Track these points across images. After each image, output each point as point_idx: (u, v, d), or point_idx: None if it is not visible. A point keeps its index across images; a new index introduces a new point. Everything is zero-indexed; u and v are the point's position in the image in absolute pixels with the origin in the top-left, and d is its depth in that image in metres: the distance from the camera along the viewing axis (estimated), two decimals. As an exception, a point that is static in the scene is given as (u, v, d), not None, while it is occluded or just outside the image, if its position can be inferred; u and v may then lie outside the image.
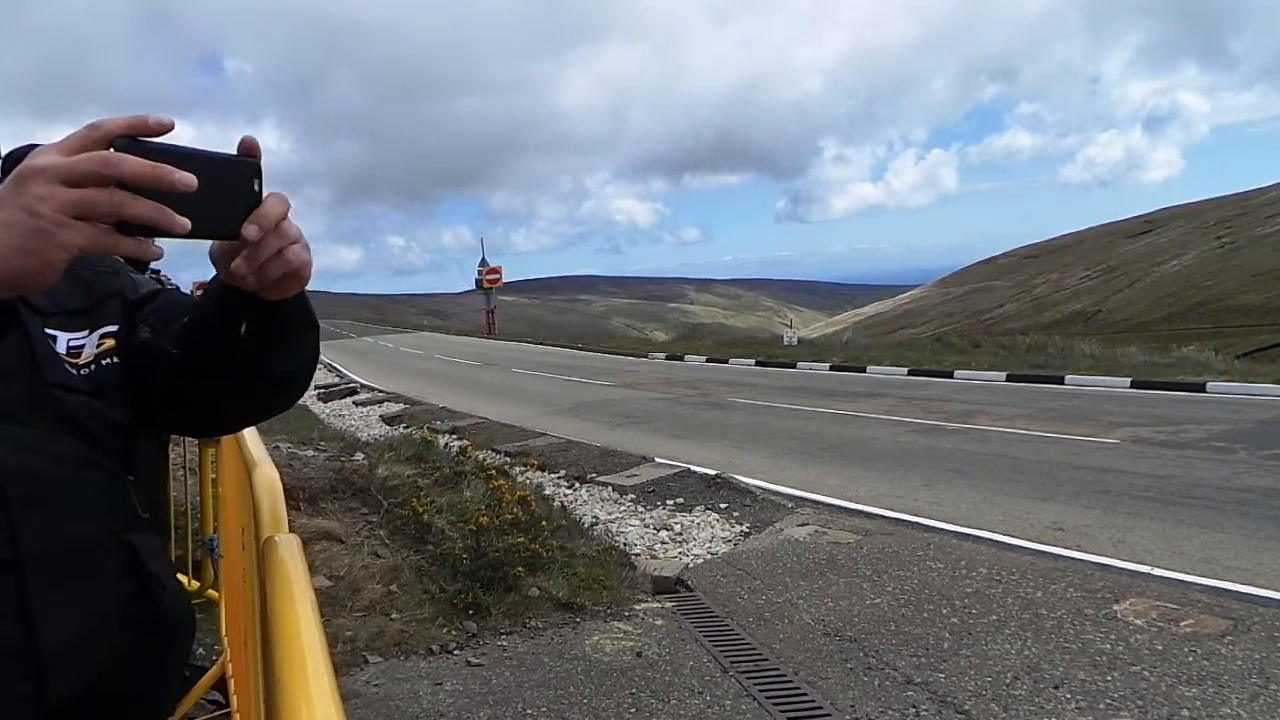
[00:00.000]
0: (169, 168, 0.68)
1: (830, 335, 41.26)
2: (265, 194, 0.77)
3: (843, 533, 5.82)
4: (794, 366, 18.71)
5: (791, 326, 26.05)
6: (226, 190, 0.75)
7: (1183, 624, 4.05)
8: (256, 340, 0.89)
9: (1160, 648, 3.82)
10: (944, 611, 4.40)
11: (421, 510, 5.39)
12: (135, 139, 0.70)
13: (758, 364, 19.77)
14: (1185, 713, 3.26)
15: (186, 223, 0.70)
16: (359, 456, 7.20)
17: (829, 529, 5.93)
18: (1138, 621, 4.12)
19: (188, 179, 0.69)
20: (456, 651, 4.06)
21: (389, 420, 13.07)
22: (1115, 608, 4.30)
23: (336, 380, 20.90)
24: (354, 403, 16.07)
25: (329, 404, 16.11)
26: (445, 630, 4.23)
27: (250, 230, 0.76)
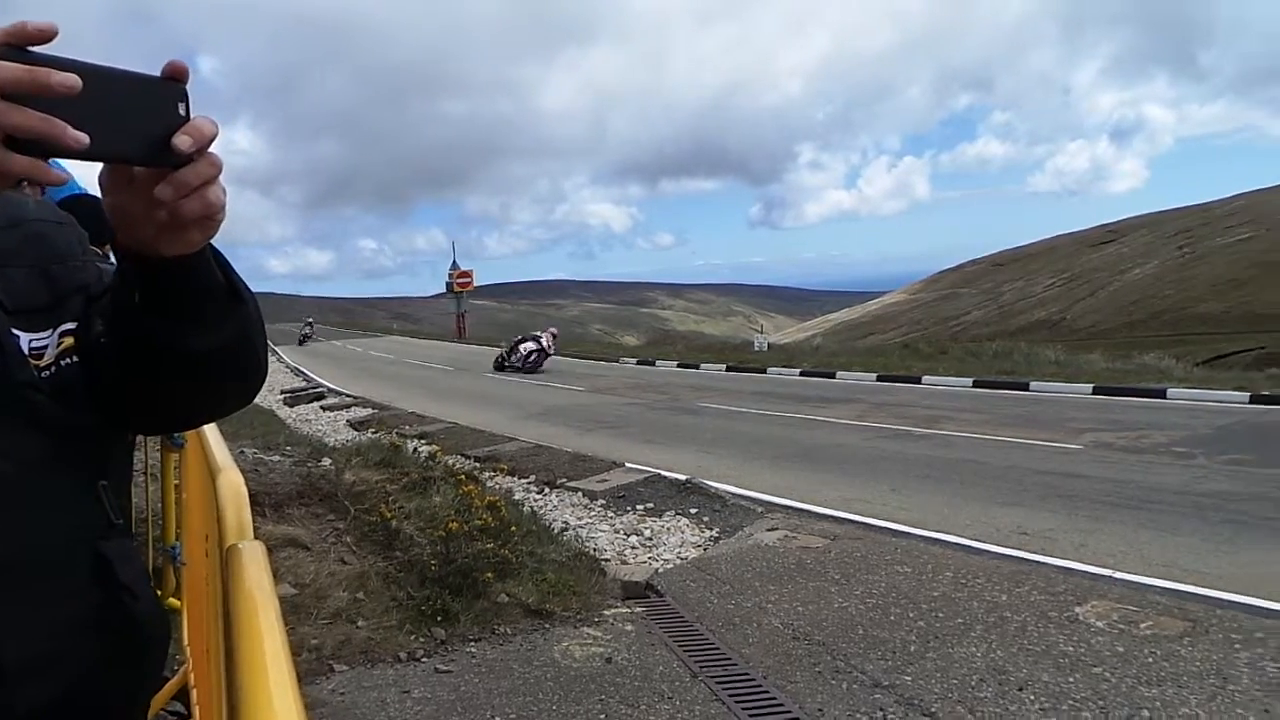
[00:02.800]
0: (46, 69, 0.63)
1: (801, 341, 41.57)
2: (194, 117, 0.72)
3: (811, 537, 5.86)
4: (764, 372, 18.80)
5: (762, 332, 26.21)
6: (143, 110, 0.69)
7: (1143, 626, 4.12)
8: (157, 310, 0.83)
9: (1121, 649, 3.89)
10: (911, 615, 4.44)
11: (389, 516, 5.34)
12: (21, 49, 0.64)
13: (728, 369, 19.86)
14: (1145, 713, 3.31)
15: (83, 138, 0.64)
16: (326, 462, 7.12)
17: (798, 534, 5.96)
18: (1099, 624, 4.18)
19: (67, 80, 0.63)
20: (424, 659, 4.02)
21: (357, 425, 12.94)
22: (1078, 610, 4.37)
23: (303, 384, 20.67)
24: (321, 407, 15.89)
25: (295, 408, 15.92)
26: (413, 637, 4.19)
27: (183, 141, 0.70)
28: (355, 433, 12.08)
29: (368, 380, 21.45)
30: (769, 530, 6.07)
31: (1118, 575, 5.04)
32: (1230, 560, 5.27)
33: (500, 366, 21.84)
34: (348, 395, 17.40)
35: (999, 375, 15.20)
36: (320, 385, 19.94)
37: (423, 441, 9.76)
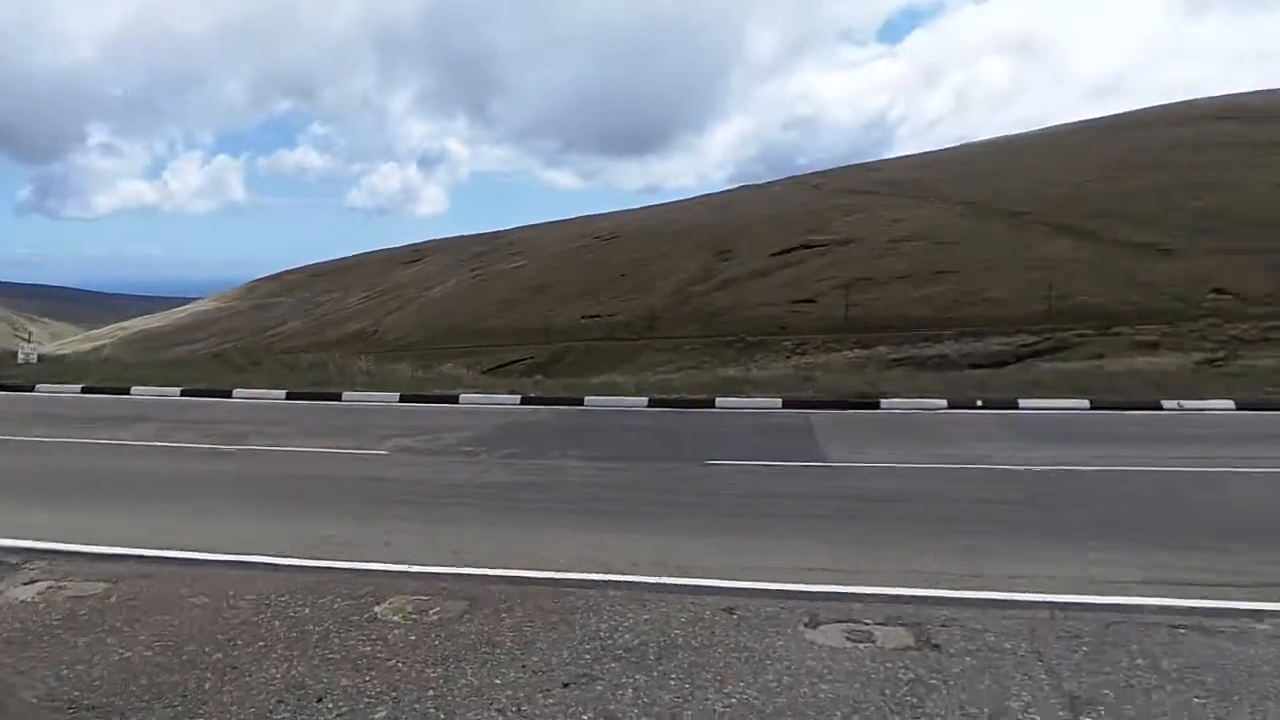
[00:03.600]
0: None
1: (87, 352, 35.69)
2: None
3: (87, 584, 4.98)
4: (32, 390, 15.59)
5: (30, 341, 21.77)
6: None
7: (431, 612, 4.52)
8: None
9: (413, 638, 4.19)
10: (207, 649, 4.09)
11: None
12: None
13: (-21, 388, 15.91)
14: (430, 692, 3.61)
15: None
16: None
17: (68, 582, 5.01)
18: (395, 618, 4.45)
19: None
20: None
21: None
22: (377, 609, 4.58)
23: None
24: None
25: None
26: None
27: None
28: None
29: None
30: (26, 584, 4.97)
31: (414, 569, 5.45)
32: (501, 541, 6.18)
33: None
34: None
35: (313, 386, 15.30)
36: None
37: None
